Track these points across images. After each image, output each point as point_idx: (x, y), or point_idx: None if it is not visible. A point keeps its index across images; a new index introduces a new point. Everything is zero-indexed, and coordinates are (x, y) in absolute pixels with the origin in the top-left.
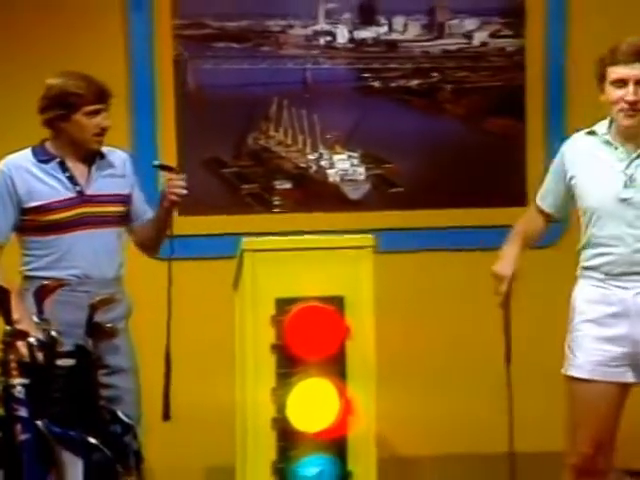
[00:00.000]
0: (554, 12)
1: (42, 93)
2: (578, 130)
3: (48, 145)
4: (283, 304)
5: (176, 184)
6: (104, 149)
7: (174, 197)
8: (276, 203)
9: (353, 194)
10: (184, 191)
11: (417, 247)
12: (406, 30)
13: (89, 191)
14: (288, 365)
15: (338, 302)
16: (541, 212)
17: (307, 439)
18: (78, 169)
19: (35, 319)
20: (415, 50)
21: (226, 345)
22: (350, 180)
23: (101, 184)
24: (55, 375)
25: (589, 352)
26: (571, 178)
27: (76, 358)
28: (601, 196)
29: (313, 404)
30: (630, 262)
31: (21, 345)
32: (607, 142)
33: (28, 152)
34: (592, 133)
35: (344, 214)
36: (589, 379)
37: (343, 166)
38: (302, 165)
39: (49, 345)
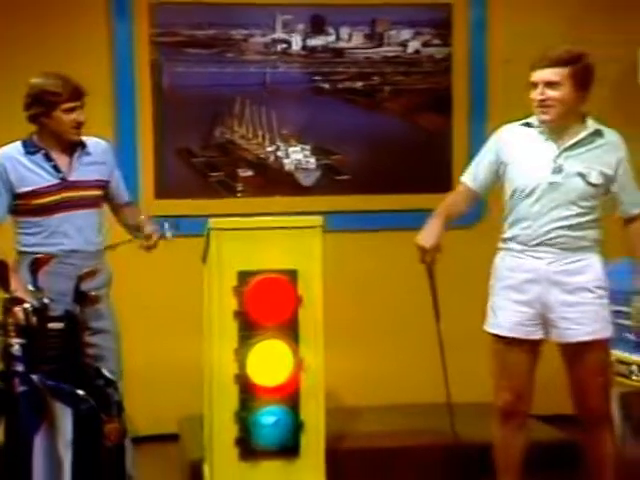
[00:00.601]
0: (476, 25)
1: (26, 91)
2: (498, 125)
3: (35, 138)
4: (244, 276)
5: (149, 244)
6: (87, 140)
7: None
8: (239, 188)
9: (305, 181)
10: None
11: (360, 227)
12: (351, 39)
13: (71, 178)
14: (248, 329)
15: (292, 275)
16: (469, 191)
17: (265, 392)
18: (61, 159)
19: (30, 288)
20: (359, 56)
21: (195, 311)
22: (303, 169)
23: (82, 171)
24: (47, 336)
25: (508, 313)
26: (503, 162)
27: (65, 322)
28: (532, 179)
29: (270, 362)
30: (544, 236)
31: (18, 310)
32: (541, 133)
33: (18, 145)
34: (528, 125)
35: (298, 198)
36: (508, 336)
37: (297, 157)
38: (262, 156)
39: (42, 310)
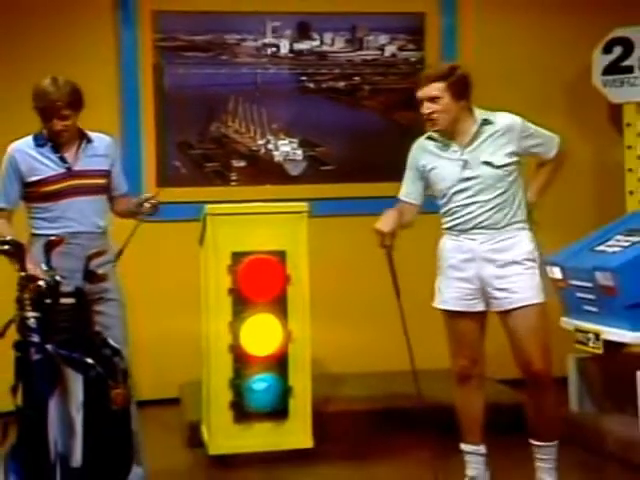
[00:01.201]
0: (447, 31)
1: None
2: None
3: (45, 132)
4: (237, 256)
5: (151, 205)
6: (92, 135)
7: (148, 212)
8: (233, 178)
9: (293, 171)
10: (157, 209)
11: (343, 213)
12: (333, 44)
13: (76, 167)
14: (241, 304)
15: (281, 255)
16: (410, 206)
17: (257, 361)
18: (68, 150)
19: (43, 267)
20: (341, 59)
21: (193, 288)
22: (291, 160)
23: (86, 162)
24: (59, 310)
25: (451, 290)
26: (424, 171)
27: (75, 298)
28: (449, 180)
29: (261, 334)
30: (474, 221)
31: (33, 287)
32: (441, 142)
33: (30, 138)
34: (430, 138)
35: (286, 186)
36: (453, 310)
37: (285, 149)
38: (253, 148)
39: (54, 287)
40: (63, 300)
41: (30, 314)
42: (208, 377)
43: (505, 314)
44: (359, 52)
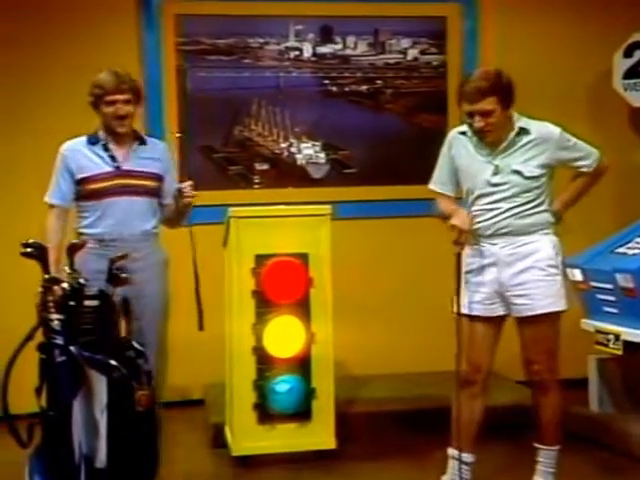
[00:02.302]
0: (468, 35)
1: None
2: None
3: (99, 132)
4: (261, 259)
5: (187, 191)
6: (147, 138)
7: (187, 200)
8: (256, 181)
9: (316, 174)
10: (193, 195)
11: (365, 215)
12: (356, 47)
13: (125, 167)
14: (265, 306)
15: (304, 258)
16: (448, 198)
17: (280, 363)
18: (119, 149)
19: (67, 269)
20: (363, 63)
21: (217, 290)
22: (313, 163)
23: (137, 163)
24: (83, 312)
25: (470, 294)
26: (456, 165)
27: (99, 300)
28: (477, 181)
29: (284, 336)
30: (495, 226)
31: (57, 289)
32: (472, 142)
33: (83, 138)
34: (463, 133)
35: (309, 189)
36: (472, 315)
37: (308, 152)
38: (276, 151)
39: (78, 289)
40: (87, 302)
41: (54, 316)
42: (232, 379)
43: (521, 319)
44: (382, 56)
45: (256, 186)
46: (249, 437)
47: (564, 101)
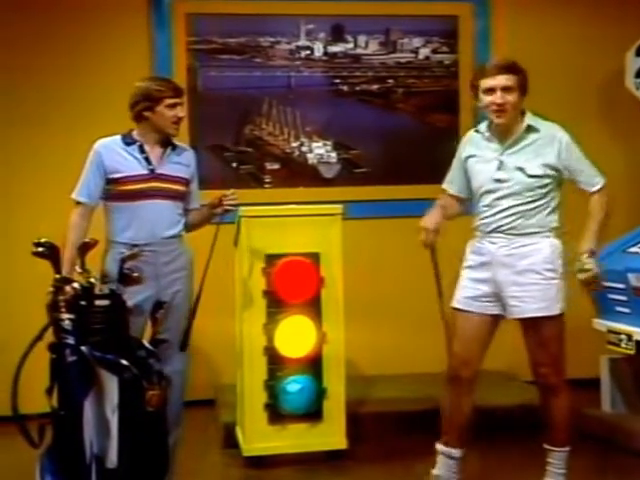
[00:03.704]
0: (480, 34)
1: (132, 92)
2: None
3: (134, 133)
4: (272, 259)
5: (232, 199)
6: (177, 143)
7: (229, 208)
8: (267, 180)
9: (327, 173)
10: (238, 204)
11: (376, 215)
12: (367, 46)
13: (159, 170)
14: (276, 306)
15: (315, 257)
16: (452, 196)
17: (291, 363)
18: (154, 153)
19: (78, 269)
20: (374, 62)
21: (228, 289)
22: (325, 162)
23: (169, 167)
24: (94, 312)
25: (466, 289)
26: (465, 165)
27: (110, 300)
28: (483, 177)
29: (295, 336)
30: (496, 224)
31: (68, 289)
32: (487, 138)
33: (118, 137)
34: (477, 131)
35: (320, 189)
36: (463, 309)
37: (319, 151)
38: (287, 150)
39: (89, 289)
40: (98, 302)
41: (65, 316)
42: (243, 379)
43: (522, 321)
44: (393, 55)
45: (267, 185)
46: (260, 437)
47: (576, 100)
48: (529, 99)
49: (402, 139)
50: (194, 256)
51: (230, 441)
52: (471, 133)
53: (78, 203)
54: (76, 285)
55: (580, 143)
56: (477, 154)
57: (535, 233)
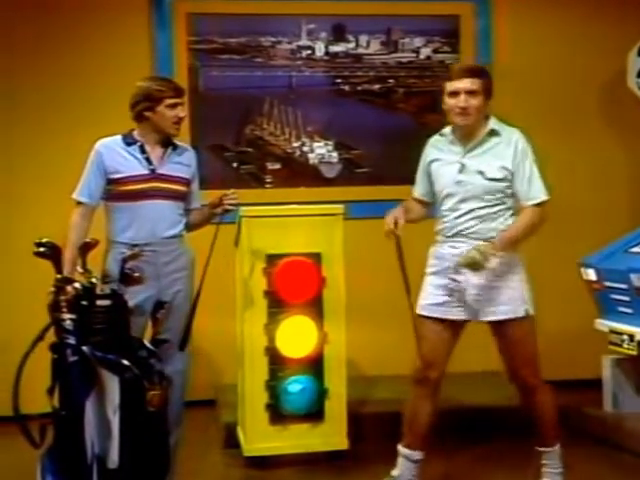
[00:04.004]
0: (482, 34)
1: (133, 92)
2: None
3: (135, 133)
4: (273, 259)
5: (232, 198)
6: (178, 143)
7: (230, 207)
8: (268, 180)
9: (328, 173)
10: (238, 203)
11: (378, 215)
12: (369, 46)
13: (160, 170)
14: (277, 306)
15: (316, 257)
16: (416, 200)
17: (292, 363)
18: (154, 153)
19: (79, 269)
20: (376, 62)
21: (228, 290)
22: (326, 162)
23: (170, 167)
24: (95, 312)
25: (430, 295)
26: (429, 168)
27: (111, 300)
28: (445, 180)
29: (297, 336)
30: (458, 227)
31: (69, 289)
32: (450, 141)
33: (118, 137)
34: (441, 135)
35: (321, 189)
36: (427, 316)
37: (320, 151)
38: (288, 150)
39: (90, 289)
40: (99, 302)
41: (66, 316)
42: (244, 379)
43: (491, 325)
44: (394, 55)
45: (268, 185)
46: (261, 437)
47: (578, 100)
48: (530, 99)
49: (403, 139)
50: (195, 256)
51: (231, 441)
52: (435, 137)
53: (79, 203)
54: (77, 285)
55: (582, 143)
56: (440, 157)
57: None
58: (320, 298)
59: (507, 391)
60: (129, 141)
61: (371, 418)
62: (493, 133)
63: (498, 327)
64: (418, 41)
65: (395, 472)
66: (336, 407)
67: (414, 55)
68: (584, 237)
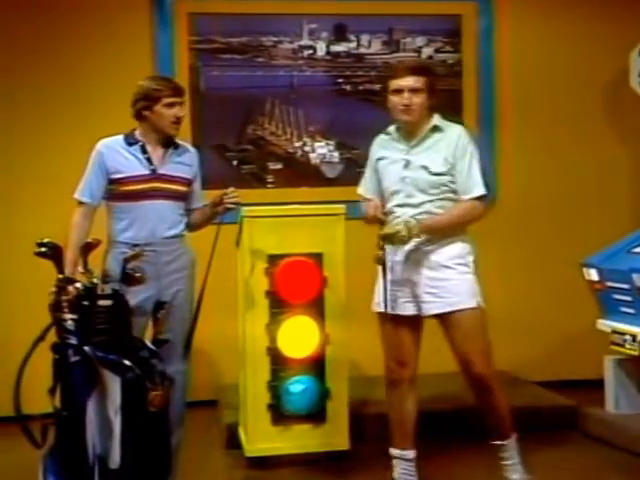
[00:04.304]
0: (484, 33)
1: (134, 92)
2: (507, 123)
3: (136, 132)
4: (274, 259)
5: (233, 196)
6: (179, 142)
7: (230, 206)
8: (269, 180)
9: (330, 173)
10: (239, 201)
11: None
12: (370, 46)
13: (161, 171)
14: (278, 306)
15: (318, 258)
16: (367, 199)
17: (294, 363)
18: (155, 153)
19: (80, 269)
20: (377, 61)
21: (230, 290)
22: (327, 162)
23: (171, 167)
24: (97, 312)
25: (380, 291)
26: (377, 167)
27: (113, 300)
28: (392, 177)
29: (298, 336)
30: None
31: (71, 289)
32: (395, 139)
33: (120, 137)
34: (387, 133)
35: (323, 189)
36: (384, 313)
37: (322, 151)
38: (290, 150)
39: (92, 289)
40: (101, 302)
41: (68, 316)
42: (245, 379)
43: (440, 318)
44: (396, 54)
45: (269, 185)
46: (263, 438)
47: (581, 99)
48: (534, 97)
49: None
50: (196, 256)
51: (233, 442)
52: (381, 135)
53: (80, 203)
54: (79, 285)
55: (584, 143)
56: (386, 155)
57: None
58: (322, 298)
59: (516, 391)
60: (130, 141)
61: (373, 419)
62: (436, 129)
63: (445, 320)
64: (420, 41)
65: (395, 474)
66: (338, 407)
67: (416, 55)
68: (586, 237)
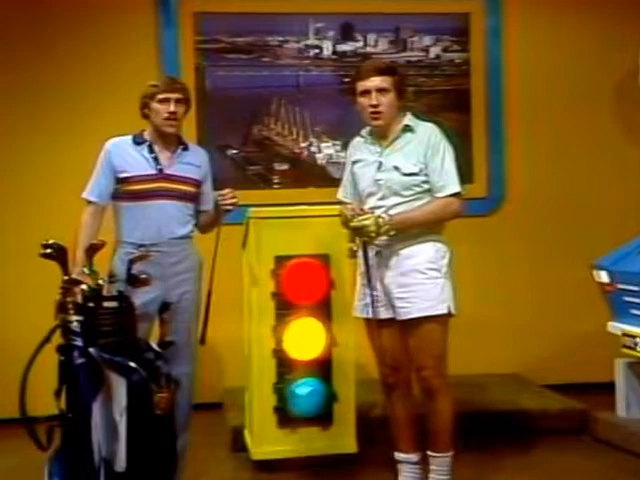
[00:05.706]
0: (492, 32)
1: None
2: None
3: (145, 133)
4: (281, 260)
5: (229, 197)
6: (190, 144)
7: (228, 207)
8: (275, 181)
9: (336, 173)
10: (236, 202)
11: None
12: (377, 45)
13: (168, 171)
14: (285, 308)
15: (324, 259)
16: (345, 202)
17: (300, 366)
18: (163, 153)
19: (86, 271)
20: (384, 60)
21: (236, 292)
22: (334, 162)
23: (179, 168)
24: (102, 314)
25: (360, 297)
26: (353, 170)
27: (118, 301)
28: (366, 180)
29: (305, 338)
30: None
31: (76, 290)
32: (369, 141)
33: (129, 136)
34: (361, 136)
35: (329, 189)
36: (362, 317)
37: (328, 151)
38: (296, 151)
39: (97, 291)
40: (106, 304)
41: (73, 318)
42: (251, 382)
43: (403, 323)
44: (403, 53)
45: (276, 186)
46: (269, 441)
47: (589, 99)
48: (542, 97)
49: None
50: (203, 258)
51: (238, 444)
52: (356, 138)
53: (89, 202)
54: (84, 287)
55: (593, 143)
56: (361, 158)
57: (418, 234)
58: (328, 300)
59: (511, 393)
60: (138, 140)
61: (380, 422)
62: (407, 129)
63: (415, 325)
64: (427, 40)
65: (401, 479)
66: (345, 410)
67: (423, 54)
68: (596, 239)
